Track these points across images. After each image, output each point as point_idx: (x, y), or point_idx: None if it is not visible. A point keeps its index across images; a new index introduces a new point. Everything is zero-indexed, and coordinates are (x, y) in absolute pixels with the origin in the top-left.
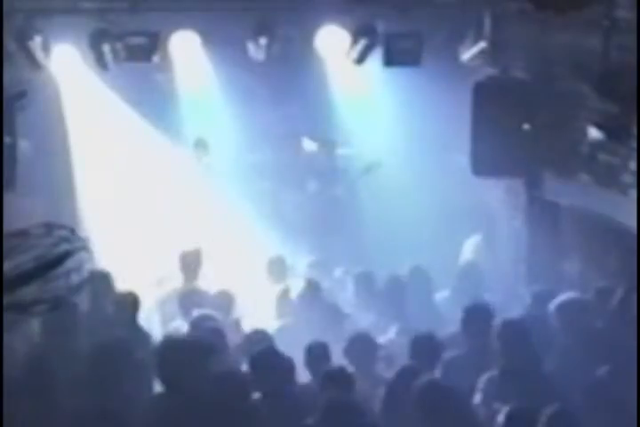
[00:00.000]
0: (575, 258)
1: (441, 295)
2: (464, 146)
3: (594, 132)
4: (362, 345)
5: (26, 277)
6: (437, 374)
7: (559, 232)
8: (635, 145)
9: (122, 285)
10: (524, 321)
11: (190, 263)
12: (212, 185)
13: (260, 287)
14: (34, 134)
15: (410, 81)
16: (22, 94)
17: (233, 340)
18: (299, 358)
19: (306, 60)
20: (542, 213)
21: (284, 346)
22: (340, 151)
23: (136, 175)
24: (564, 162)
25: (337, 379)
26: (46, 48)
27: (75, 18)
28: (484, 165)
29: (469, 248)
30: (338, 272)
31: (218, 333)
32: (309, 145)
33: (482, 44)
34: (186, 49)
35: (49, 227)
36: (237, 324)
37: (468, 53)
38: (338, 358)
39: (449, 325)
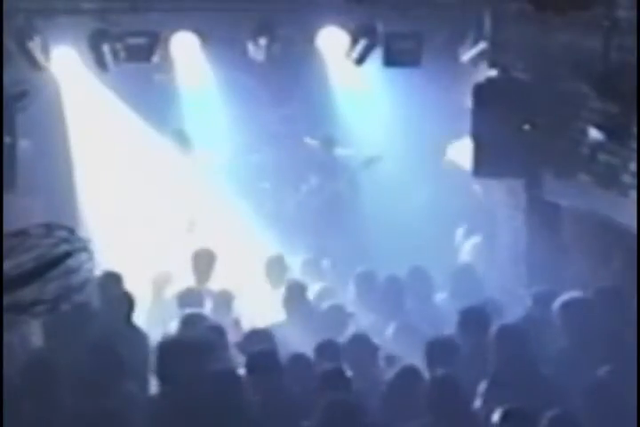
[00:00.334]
0: (575, 258)
1: (440, 296)
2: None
3: (594, 133)
4: (361, 345)
5: (26, 277)
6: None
7: (559, 232)
8: (635, 146)
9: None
10: (520, 326)
11: (202, 264)
12: (212, 185)
13: (260, 286)
14: (34, 134)
15: (410, 81)
16: (22, 94)
17: (232, 339)
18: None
19: (306, 60)
20: (542, 213)
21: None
22: (340, 151)
23: (136, 175)
24: (564, 162)
25: (333, 379)
26: (46, 48)
27: (75, 18)
28: (484, 166)
29: (468, 249)
30: (325, 265)
31: (217, 330)
32: (311, 145)
33: (482, 45)
34: (186, 49)
35: (49, 227)
36: (237, 323)
37: (468, 54)
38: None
39: (448, 326)
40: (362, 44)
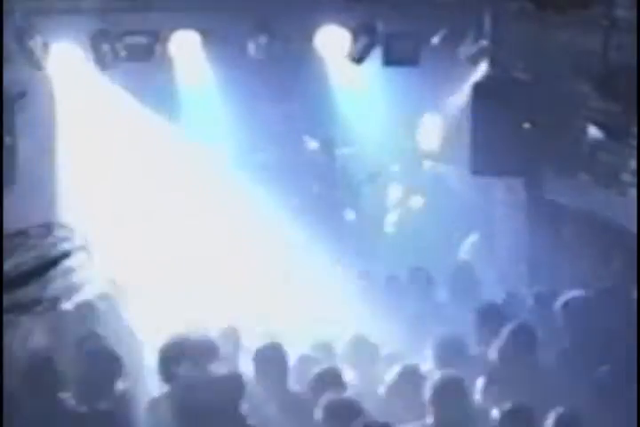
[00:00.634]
0: (575, 257)
1: (439, 295)
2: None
3: (594, 132)
4: (361, 345)
5: (26, 277)
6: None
7: (559, 232)
8: (635, 144)
9: (123, 285)
10: (532, 326)
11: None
12: (213, 185)
13: (261, 287)
14: (34, 134)
15: (409, 80)
16: (22, 94)
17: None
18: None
19: (305, 59)
20: (542, 212)
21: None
22: (340, 151)
23: (136, 175)
24: (564, 161)
25: (328, 381)
26: (46, 48)
27: (75, 18)
28: (483, 164)
29: (466, 248)
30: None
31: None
32: (311, 144)
33: (482, 44)
34: (186, 48)
35: (49, 227)
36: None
37: (467, 53)
38: None
39: (448, 325)
40: (361, 42)
